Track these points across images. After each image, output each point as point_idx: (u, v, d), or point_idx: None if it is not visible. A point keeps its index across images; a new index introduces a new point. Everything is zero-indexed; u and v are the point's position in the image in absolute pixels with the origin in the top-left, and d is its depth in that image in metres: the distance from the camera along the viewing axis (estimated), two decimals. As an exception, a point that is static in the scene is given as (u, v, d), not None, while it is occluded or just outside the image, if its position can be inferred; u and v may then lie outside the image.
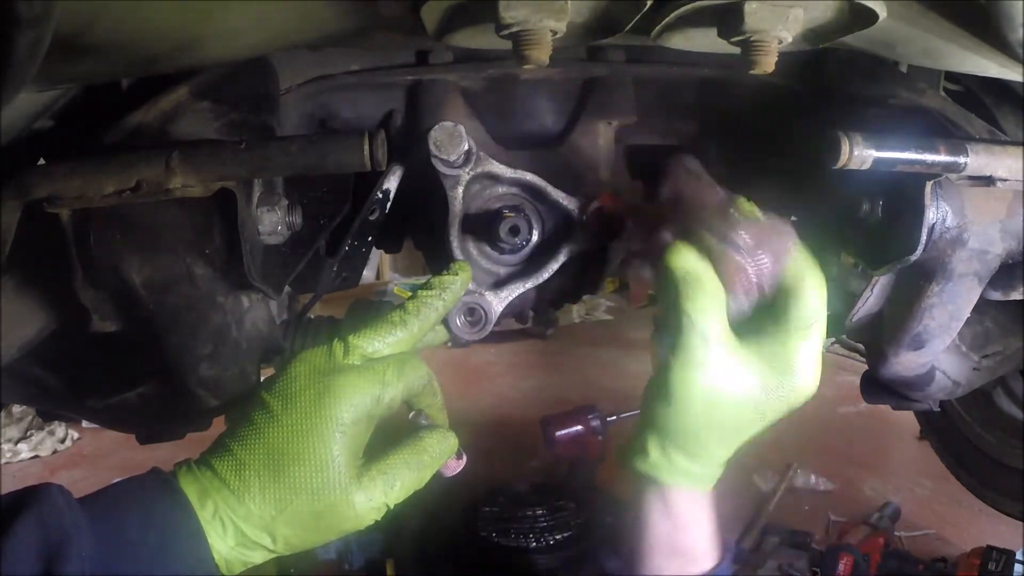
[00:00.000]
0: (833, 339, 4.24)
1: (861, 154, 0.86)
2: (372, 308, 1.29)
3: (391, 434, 0.77)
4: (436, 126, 0.94)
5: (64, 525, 0.60)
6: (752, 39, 0.71)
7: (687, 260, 0.74)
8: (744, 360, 0.75)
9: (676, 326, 0.74)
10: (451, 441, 0.78)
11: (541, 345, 4.78)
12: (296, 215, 1.01)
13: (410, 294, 0.82)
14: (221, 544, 0.67)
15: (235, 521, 0.67)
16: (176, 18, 0.67)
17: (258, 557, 0.69)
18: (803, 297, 0.74)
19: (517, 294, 1.02)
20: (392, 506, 0.72)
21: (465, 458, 0.81)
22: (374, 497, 0.70)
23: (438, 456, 0.76)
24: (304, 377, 0.71)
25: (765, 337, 0.76)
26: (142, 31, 0.67)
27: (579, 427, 2.61)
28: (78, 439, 3.37)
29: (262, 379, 0.78)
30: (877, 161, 0.86)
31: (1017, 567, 2.00)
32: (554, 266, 1.01)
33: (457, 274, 0.83)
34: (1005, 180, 0.92)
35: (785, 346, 0.75)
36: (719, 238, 0.74)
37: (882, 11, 0.70)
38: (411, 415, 0.80)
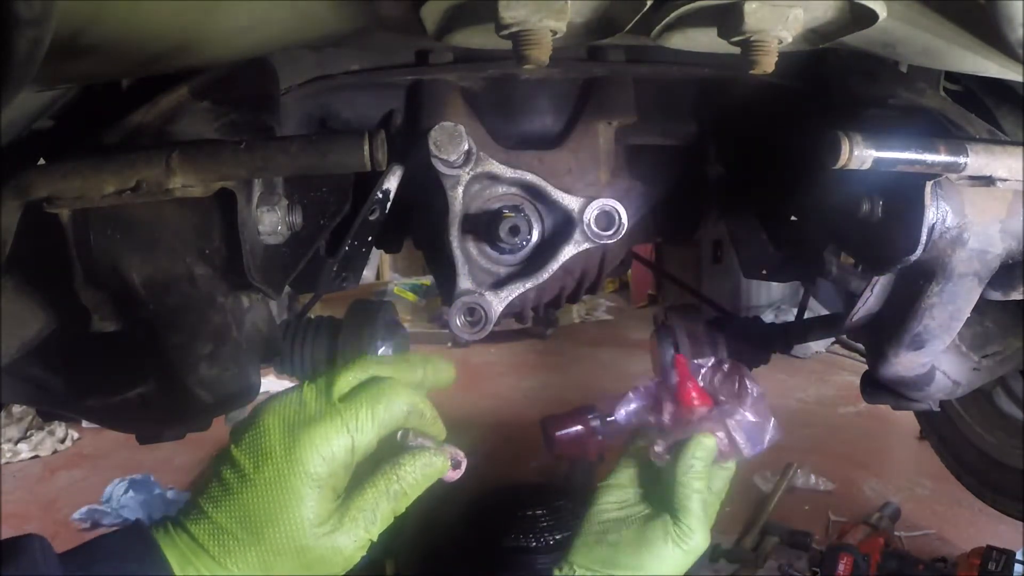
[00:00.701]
0: (833, 339, 4.25)
1: (861, 154, 0.86)
2: (371, 308, 1.30)
3: (383, 452, 0.74)
4: (436, 126, 0.94)
5: None
6: (752, 39, 0.71)
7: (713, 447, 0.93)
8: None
9: (686, 507, 0.90)
10: (437, 463, 0.73)
11: (541, 345, 4.78)
12: (296, 215, 1.01)
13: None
14: None
15: None
16: (176, 18, 0.67)
17: None
18: (728, 472, 0.97)
19: (517, 294, 1.02)
20: (376, 539, 0.70)
21: (465, 464, 0.77)
22: (358, 537, 0.68)
23: (420, 481, 0.72)
24: (275, 431, 0.68)
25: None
26: (142, 31, 0.67)
27: (579, 427, 2.61)
28: (78, 439, 3.37)
29: (235, 422, 0.75)
30: (877, 161, 0.86)
31: (1017, 567, 2.00)
32: (554, 266, 1.01)
33: (447, 371, 0.81)
34: (1005, 180, 0.91)
35: (712, 508, 0.94)
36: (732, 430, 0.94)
37: (882, 11, 0.70)
38: (399, 435, 0.76)
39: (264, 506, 0.65)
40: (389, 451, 0.73)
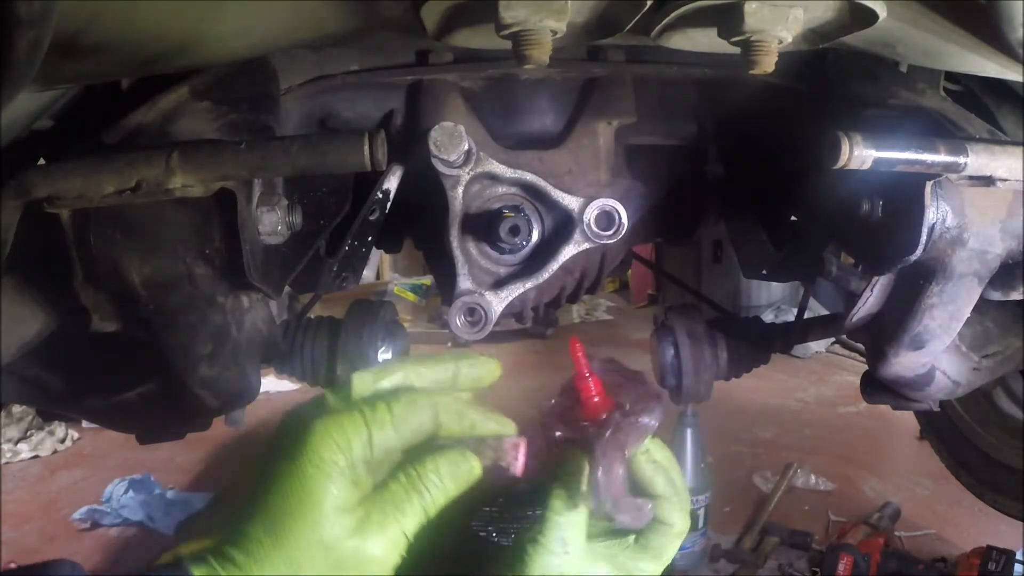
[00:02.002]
0: (833, 339, 4.25)
1: (861, 154, 0.86)
2: (371, 308, 1.30)
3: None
4: (436, 126, 0.94)
5: None
6: (752, 39, 0.71)
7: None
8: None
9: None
10: (467, 464, 0.68)
11: (541, 345, 4.78)
12: (296, 215, 1.01)
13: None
14: None
15: None
16: (176, 18, 0.67)
17: None
18: (673, 532, 0.75)
19: (517, 294, 1.02)
20: (410, 536, 0.65)
21: (520, 454, 0.70)
22: (387, 530, 0.64)
23: (448, 482, 0.67)
24: (290, 428, 0.65)
25: (619, 548, 0.76)
26: (142, 31, 0.67)
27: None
28: (78, 439, 3.37)
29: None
30: (877, 161, 0.86)
31: (1017, 567, 2.00)
32: (554, 266, 1.01)
33: (487, 366, 0.74)
34: (1005, 180, 0.91)
35: (637, 565, 0.76)
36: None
37: (882, 11, 0.70)
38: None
39: (281, 500, 0.62)
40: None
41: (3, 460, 3.18)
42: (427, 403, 0.67)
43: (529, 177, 1.03)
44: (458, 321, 0.99)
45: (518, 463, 0.69)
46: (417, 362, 0.71)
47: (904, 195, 0.95)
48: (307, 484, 0.61)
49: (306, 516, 0.61)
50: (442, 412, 0.68)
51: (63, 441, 3.34)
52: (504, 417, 0.71)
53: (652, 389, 0.78)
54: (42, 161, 0.96)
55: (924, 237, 0.93)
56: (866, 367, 1.19)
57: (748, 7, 0.69)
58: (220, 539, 0.64)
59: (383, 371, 0.70)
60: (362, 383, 0.68)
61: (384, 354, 1.25)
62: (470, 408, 0.69)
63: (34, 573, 0.60)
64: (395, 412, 0.65)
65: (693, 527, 2.31)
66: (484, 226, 1.02)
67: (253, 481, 0.65)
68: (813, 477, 2.82)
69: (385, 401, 0.66)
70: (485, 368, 0.74)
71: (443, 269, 1.11)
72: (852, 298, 1.13)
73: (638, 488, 0.74)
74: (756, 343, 1.40)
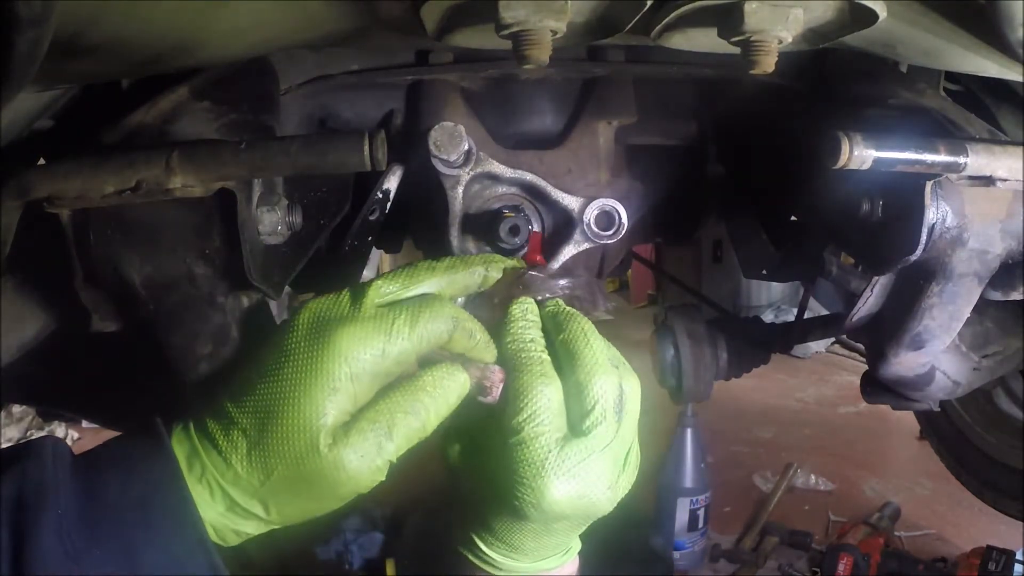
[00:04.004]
0: (833, 339, 4.25)
1: (861, 154, 0.86)
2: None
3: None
4: (436, 126, 0.94)
5: (44, 480, 0.57)
6: (752, 39, 0.71)
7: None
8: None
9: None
10: (458, 377, 0.65)
11: (541, 345, 4.78)
12: (296, 215, 1.01)
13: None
14: (210, 510, 0.61)
15: (223, 485, 0.61)
16: (176, 18, 0.67)
17: (251, 527, 0.63)
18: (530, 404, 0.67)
19: (517, 294, 1.02)
20: (395, 460, 0.63)
21: (500, 383, 0.67)
22: (367, 453, 0.61)
23: (442, 396, 0.64)
24: (304, 328, 0.63)
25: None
26: (142, 31, 0.67)
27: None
28: (78, 439, 3.37)
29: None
30: (877, 161, 0.86)
31: (1017, 567, 2.00)
32: (554, 266, 1.01)
33: (512, 264, 0.75)
34: (1005, 180, 0.91)
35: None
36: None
37: (882, 11, 0.70)
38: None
39: (275, 402, 0.61)
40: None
41: (3, 460, 3.19)
42: (449, 317, 0.66)
43: (529, 177, 1.03)
44: (458, 321, 0.99)
45: (497, 390, 0.68)
46: (448, 268, 0.70)
47: (904, 195, 0.95)
48: (303, 394, 0.60)
49: (289, 421, 0.60)
50: (458, 327, 0.66)
51: (63, 441, 3.34)
52: (493, 347, 0.70)
53: (590, 291, 0.79)
54: (42, 161, 0.96)
55: (924, 237, 0.93)
56: (866, 367, 1.19)
57: (748, 7, 0.69)
58: (203, 410, 0.65)
59: (410, 278, 0.68)
60: (385, 291, 0.67)
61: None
62: (480, 329, 0.68)
63: (18, 450, 0.60)
64: (417, 322, 0.64)
65: (693, 527, 2.31)
66: (484, 226, 1.02)
67: (254, 372, 0.64)
68: (813, 477, 2.83)
69: (409, 311, 0.64)
70: (510, 263, 0.75)
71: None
72: (852, 298, 1.13)
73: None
74: (756, 343, 1.40)
